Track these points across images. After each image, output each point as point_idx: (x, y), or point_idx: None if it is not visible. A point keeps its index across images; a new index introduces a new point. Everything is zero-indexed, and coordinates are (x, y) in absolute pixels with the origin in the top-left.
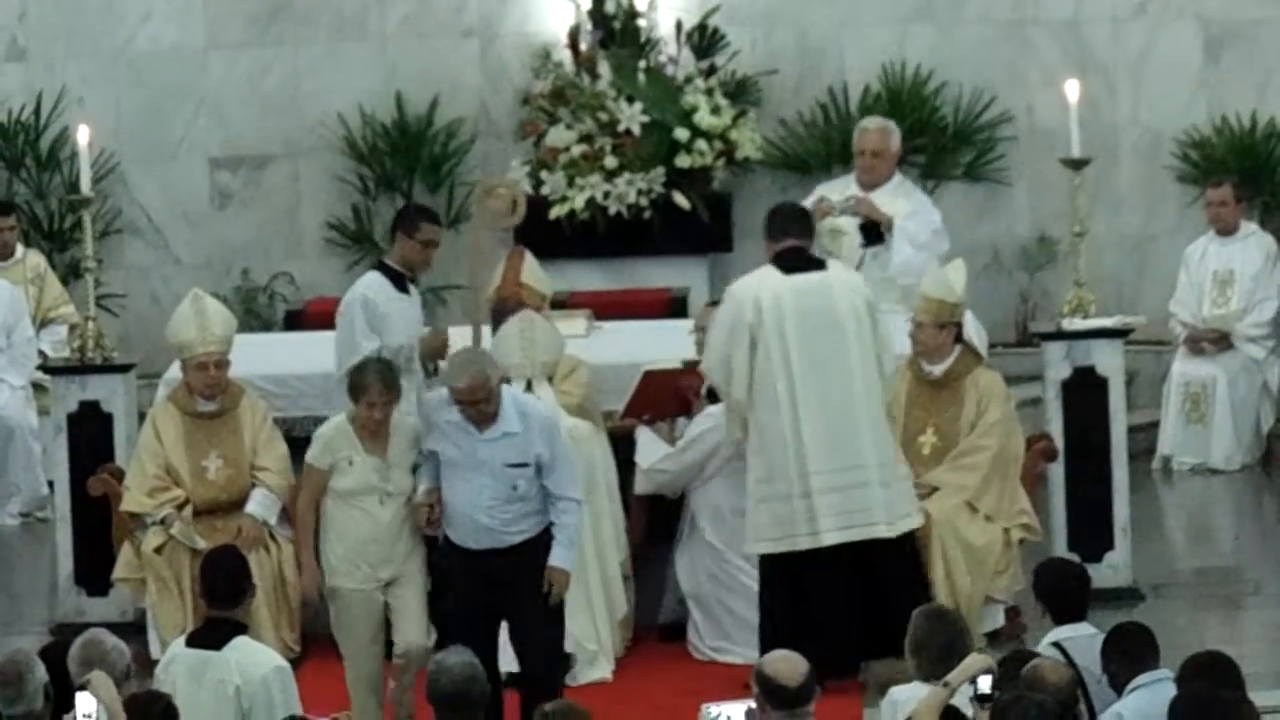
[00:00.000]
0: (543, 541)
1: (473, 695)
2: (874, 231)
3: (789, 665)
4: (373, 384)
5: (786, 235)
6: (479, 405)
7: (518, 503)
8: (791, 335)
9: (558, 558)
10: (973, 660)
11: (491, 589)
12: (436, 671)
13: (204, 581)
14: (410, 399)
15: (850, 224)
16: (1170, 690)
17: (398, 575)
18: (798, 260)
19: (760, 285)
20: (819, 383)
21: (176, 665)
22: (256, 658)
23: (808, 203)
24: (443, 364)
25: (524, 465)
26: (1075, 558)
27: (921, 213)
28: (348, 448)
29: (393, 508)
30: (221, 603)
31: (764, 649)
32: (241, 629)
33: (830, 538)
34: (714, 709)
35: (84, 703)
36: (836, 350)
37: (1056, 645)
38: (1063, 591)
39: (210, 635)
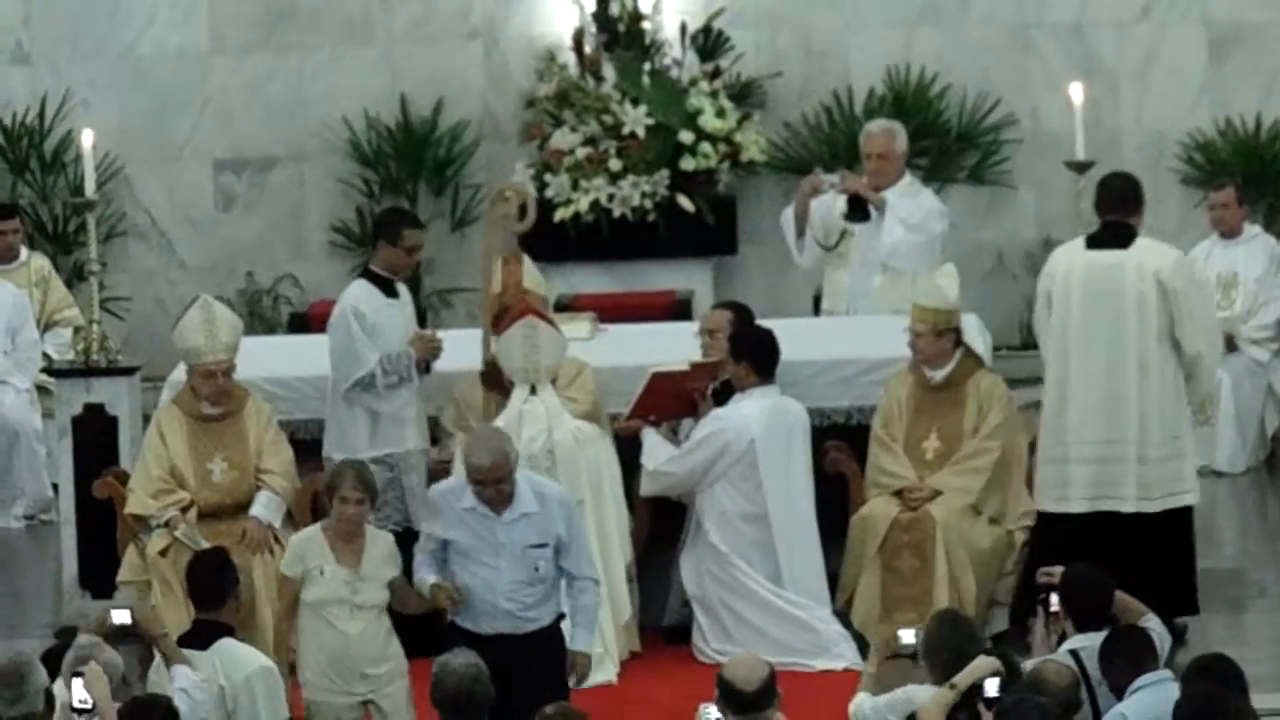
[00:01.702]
0: (555, 632)
1: (477, 696)
2: (860, 208)
3: (746, 669)
4: (347, 478)
5: (1108, 210)
6: (499, 484)
7: (538, 585)
8: (1075, 309)
9: (580, 641)
10: (981, 663)
11: (500, 679)
12: (441, 673)
13: (189, 584)
14: (411, 407)
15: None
16: (1171, 690)
17: (379, 702)
18: (1106, 235)
19: (1064, 256)
20: (1091, 357)
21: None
22: (241, 658)
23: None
24: (434, 366)
25: (544, 546)
26: None
27: (922, 198)
28: (319, 557)
29: (363, 621)
30: (205, 605)
31: (1015, 606)
32: (227, 630)
33: (1076, 506)
34: (710, 709)
35: (79, 690)
36: (1113, 328)
37: (1072, 653)
38: (1087, 599)
39: (197, 637)
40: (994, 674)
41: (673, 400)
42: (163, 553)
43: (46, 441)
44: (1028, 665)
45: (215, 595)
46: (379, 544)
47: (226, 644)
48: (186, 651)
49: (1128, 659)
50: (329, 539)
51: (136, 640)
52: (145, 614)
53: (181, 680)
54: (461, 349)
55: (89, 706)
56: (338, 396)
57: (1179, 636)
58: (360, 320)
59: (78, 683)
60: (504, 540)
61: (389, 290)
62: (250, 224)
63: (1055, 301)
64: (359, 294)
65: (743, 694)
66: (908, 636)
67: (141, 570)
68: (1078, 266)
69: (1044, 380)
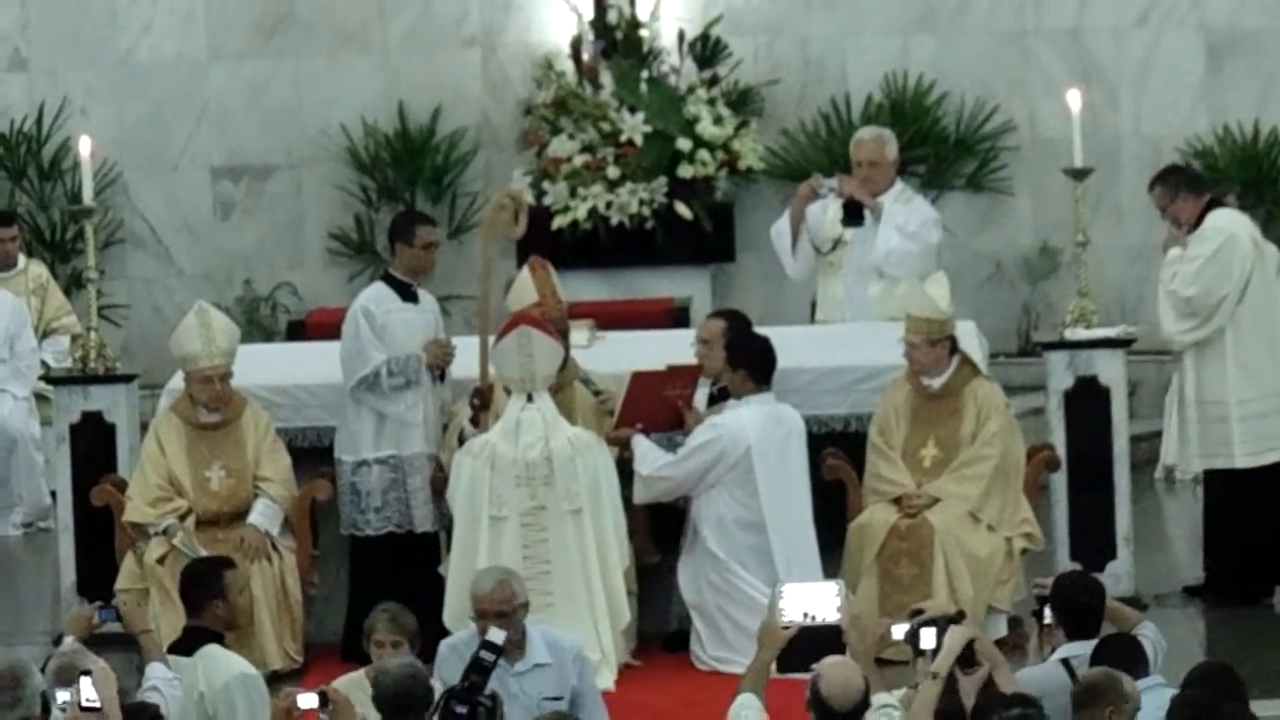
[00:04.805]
0: None
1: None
2: (855, 212)
3: (842, 680)
4: (382, 622)
5: (1207, 186)
6: (501, 618)
7: None
8: (1271, 264)
9: None
10: (953, 639)
11: None
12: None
13: (180, 591)
14: (418, 411)
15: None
16: (1162, 695)
17: None
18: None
19: (1232, 223)
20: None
21: None
22: (222, 665)
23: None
24: (449, 371)
25: (559, 699)
26: (1078, 567)
27: (916, 205)
28: (363, 704)
29: None
30: (191, 611)
31: (1206, 565)
32: (214, 637)
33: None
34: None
35: (87, 688)
36: None
37: (1064, 662)
38: (1077, 607)
39: (185, 643)
40: (969, 641)
41: (657, 409)
42: (161, 560)
43: (45, 449)
44: (1019, 674)
45: (197, 602)
46: None
47: (210, 650)
48: (172, 657)
49: (1117, 665)
50: (371, 685)
51: (123, 644)
52: (128, 610)
53: (154, 678)
54: (464, 356)
55: (97, 705)
56: (347, 396)
57: None
58: (369, 319)
59: (86, 682)
60: (515, 691)
61: (406, 294)
62: (248, 232)
63: (1264, 264)
64: (372, 294)
65: (831, 709)
66: (898, 632)
67: (139, 578)
68: (1253, 230)
69: (1240, 341)
